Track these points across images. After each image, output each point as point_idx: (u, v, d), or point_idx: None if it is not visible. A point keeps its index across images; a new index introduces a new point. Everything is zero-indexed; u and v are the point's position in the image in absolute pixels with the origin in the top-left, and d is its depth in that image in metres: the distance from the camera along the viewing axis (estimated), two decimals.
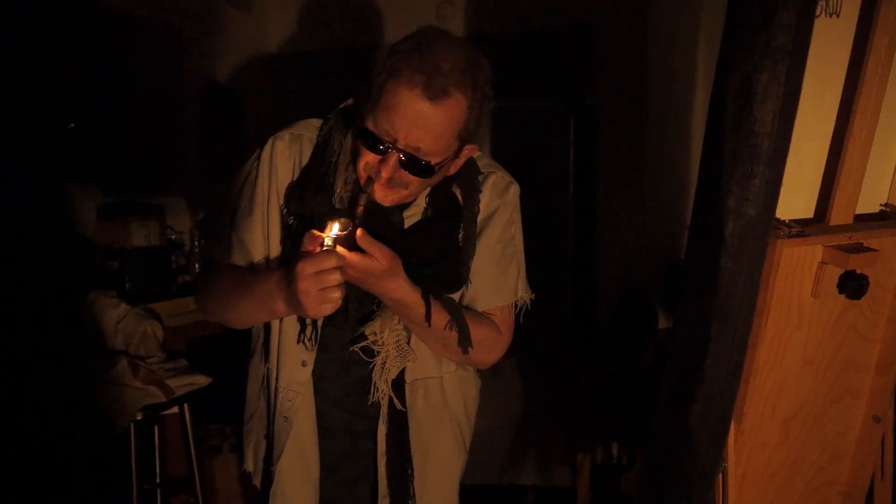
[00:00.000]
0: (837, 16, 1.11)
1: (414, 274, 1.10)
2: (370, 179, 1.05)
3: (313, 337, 1.17)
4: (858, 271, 1.16)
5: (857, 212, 1.22)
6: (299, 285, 0.97)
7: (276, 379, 1.21)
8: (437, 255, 1.16)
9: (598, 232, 2.87)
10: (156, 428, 2.26)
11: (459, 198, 1.19)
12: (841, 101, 1.17)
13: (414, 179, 1.06)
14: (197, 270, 2.84)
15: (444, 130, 1.02)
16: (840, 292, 1.18)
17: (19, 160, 2.34)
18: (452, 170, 1.14)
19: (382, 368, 1.18)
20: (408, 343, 1.19)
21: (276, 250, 1.19)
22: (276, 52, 3.28)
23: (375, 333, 1.16)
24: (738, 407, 1.16)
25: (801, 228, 1.13)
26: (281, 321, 1.19)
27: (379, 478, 1.24)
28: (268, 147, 1.19)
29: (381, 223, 1.11)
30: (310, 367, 1.20)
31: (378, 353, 1.17)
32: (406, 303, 1.10)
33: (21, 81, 2.34)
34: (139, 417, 2.07)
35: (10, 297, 2.23)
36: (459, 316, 1.17)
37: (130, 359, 2.17)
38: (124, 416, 2.07)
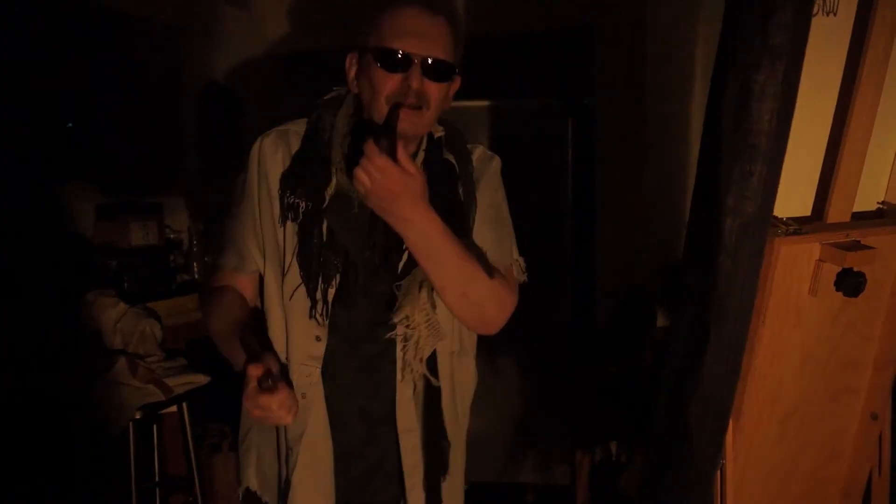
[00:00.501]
0: (834, 14, 1.12)
1: None
2: (396, 107, 1.10)
3: (324, 311, 1.17)
4: (856, 269, 1.16)
5: (855, 210, 1.23)
6: (253, 417, 1.09)
7: (287, 360, 1.20)
8: (440, 212, 1.17)
9: (597, 232, 2.87)
10: (155, 427, 2.26)
11: (453, 160, 1.23)
12: (838, 99, 1.17)
13: (433, 94, 1.13)
14: (196, 270, 2.84)
15: (446, 41, 1.13)
16: (837, 290, 1.19)
17: (18, 160, 2.34)
18: (446, 104, 1.19)
19: (416, 349, 1.19)
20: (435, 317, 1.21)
21: (270, 241, 1.21)
22: (275, 50, 3.27)
23: (407, 317, 1.17)
24: (737, 405, 1.16)
25: (799, 226, 1.14)
26: (287, 300, 1.19)
27: (403, 453, 1.22)
28: (255, 146, 1.22)
29: None
30: (324, 343, 1.19)
31: (409, 336, 1.19)
32: (430, 234, 1.10)
33: (20, 81, 2.34)
34: (138, 416, 2.07)
35: (9, 297, 2.23)
36: (476, 247, 1.19)
37: (129, 358, 2.17)
38: (123, 416, 2.07)
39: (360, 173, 1.04)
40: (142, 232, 2.61)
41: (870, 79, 1.12)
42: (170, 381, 2.17)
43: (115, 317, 2.29)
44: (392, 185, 1.04)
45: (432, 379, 1.22)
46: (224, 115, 3.02)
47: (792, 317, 1.20)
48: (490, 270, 1.18)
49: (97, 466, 2.24)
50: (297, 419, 1.18)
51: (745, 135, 0.97)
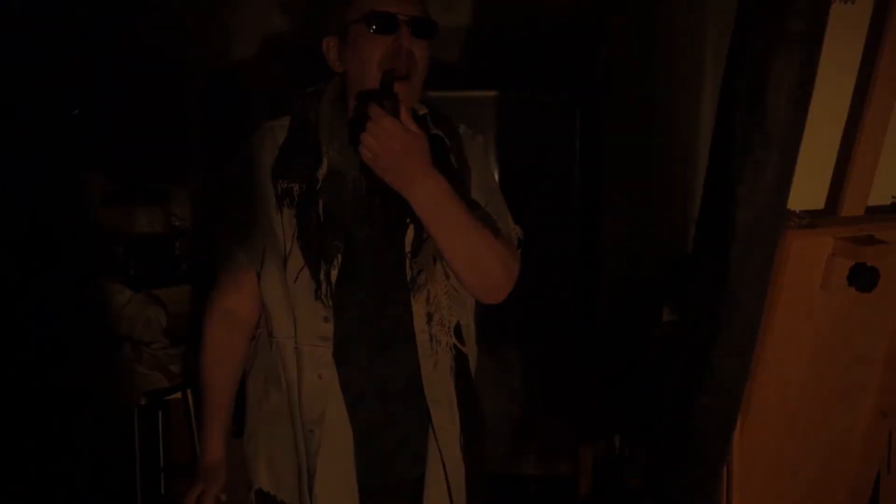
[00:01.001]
0: (852, 2, 1.09)
1: None
2: (389, 72, 1.12)
3: (327, 292, 1.17)
4: (869, 264, 1.14)
5: (869, 203, 1.21)
6: None
7: (297, 346, 1.20)
8: None
9: (603, 224, 2.85)
10: (159, 413, 2.26)
11: (441, 134, 1.24)
12: (854, 90, 1.15)
13: (421, 54, 1.16)
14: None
15: (422, 4, 1.18)
16: (850, 285, 1.17)
17: (25, 147, 2.34)
18: (425, 72, 1.21)
19: (442, 322, 1.20)
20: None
21: (268, 232, 1.21)
22: (282, 35, 3.26)
23: (429, 292, 1.19)
24: (745, 400, 1.15)
25: (812, 219, 1.12)
26: (292, 282, 1.19)
27: (437, 426, 1.22)
28: (243, 145, 1.25)
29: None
30: (332, 323, 1.19)
31: (433, 312, 1.20)
32: (439, 195, 1.10)
33: (26, 69, 2.33)
34: (143, 402, 2.08)
35: (16, 284, 2.23)
36: (480, 208, 1.20)
37: (134, 344, 2.18)
38: (128, 402, 2.08)
39: (366, 137, 1.05)
40: (148, 219, 2.61)
41: (887, 70, 1.10)
42: (174, 368, 2.17)
43: (120, 303, 2.29)
44: (400, 145, 1.05)
45: (462, 347, 1.23)
46: (229, 101, 3.01)
47: (803, 311, 1.18)
48: (496, 233, 1.18)
49: (101, 453, 2.25)
50: (315, 401, 1.19)
51: (759, 125, 0.95)
